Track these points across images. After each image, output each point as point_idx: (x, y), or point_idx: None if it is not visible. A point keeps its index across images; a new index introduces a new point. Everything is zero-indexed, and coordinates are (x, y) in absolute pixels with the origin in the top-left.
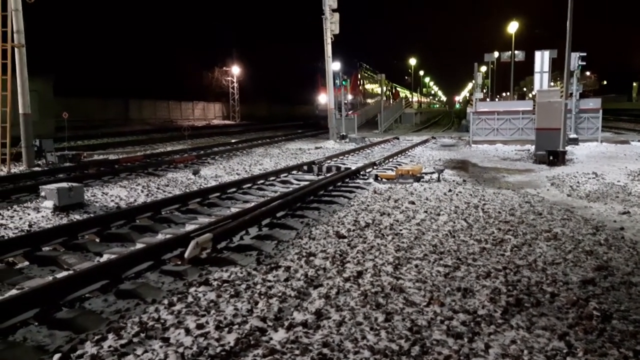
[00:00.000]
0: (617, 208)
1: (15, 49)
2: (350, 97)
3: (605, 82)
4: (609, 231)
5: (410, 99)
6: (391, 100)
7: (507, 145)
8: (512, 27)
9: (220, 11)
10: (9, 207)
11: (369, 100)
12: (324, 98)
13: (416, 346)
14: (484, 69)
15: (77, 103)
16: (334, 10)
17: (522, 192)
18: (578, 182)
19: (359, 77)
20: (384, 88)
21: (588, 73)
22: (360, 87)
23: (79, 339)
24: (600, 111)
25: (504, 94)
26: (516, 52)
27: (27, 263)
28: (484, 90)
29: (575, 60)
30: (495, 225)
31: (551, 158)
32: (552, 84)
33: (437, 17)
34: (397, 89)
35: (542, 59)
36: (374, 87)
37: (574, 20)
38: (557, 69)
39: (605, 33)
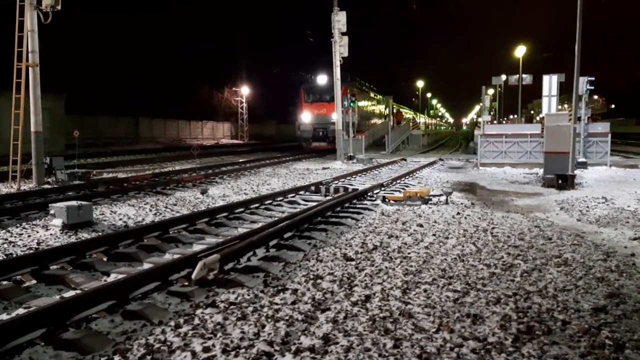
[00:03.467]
0: (627, 233)
1: (30, 68)
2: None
3: (613, 106)
4: (620, 257)
5: (417, 121)
6: (391, 122)
7: (515, 168)
8: (520, 51)
9: (230, 32)
10: (18, 225)
11: (364, 120)
12: (307, 117)
13: None
14: (491, 91)
15: (88, 121)
16: (343, 34)
17: (531, 216)
18: (588, 207)
19: (351, 93)
20: (388, 109)
21: (596, 97)
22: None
23: None
24: (609, 135)
25: (511, 117)
26: (524, 75)
27: (34, 281)
28: (492, 113)
29: (583, 84)
30: (505, 250)
31: (560, 182)
32: (559, 107)
33: (445, 41)
34: (401, 110)
35: (550, 83)
36: (371, 106)
37: (582, 44)
38: (565, 92)
39: (613, 57)
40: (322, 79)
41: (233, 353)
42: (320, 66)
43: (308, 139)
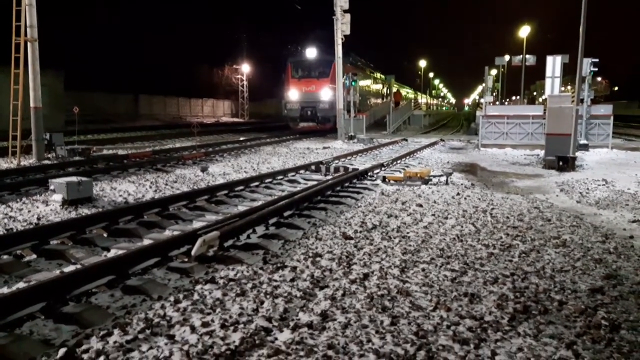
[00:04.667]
0: (627, 216)
1: (28, 43)
2: (329, 92)
3: (616, 88)
4: (619, 239)
5: (419, 101)
6: (390, 100)
7: (516, 150)
8: (524, 31)
9: (231, 9)
10: (18, 200)
11: (364, 100)
12: (294, 94)
13: (422, 351)
14: (494, 72)
15: (87, 97)
16: (345, 11)
17: (531, 197)
18: (588, 189)
19: (353, 71)
20: (389, 88)
21: (599, 79)
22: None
23: (84, 333)
24: (612, 117)
25: (513, 98)
26: (527, 56)
27: (34, 256)
28: (494, 94)
29: (587, 66)
30: (504, 231)
31: (561, 164)
32: (562, 88)
33: (448, 20)
34: (400, 90)
35: (554, 64)
36: (372, 85)
37: (586, 25)
38: (568, 73)
39: (617, 39)
40: (311, 53)
41: (232, 328)
42: (312, 39)
43: (295, 119)
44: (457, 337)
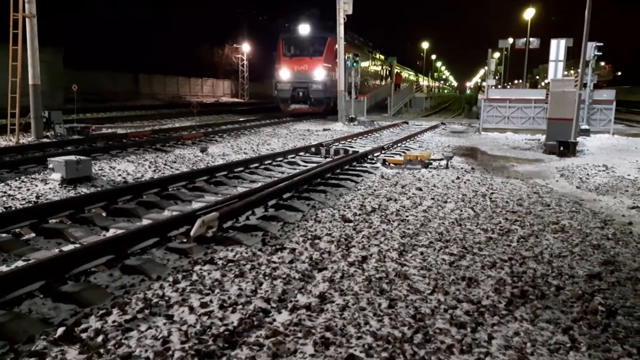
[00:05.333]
0: (626, 202)
1: (26, 19)
2: (323, 72)
3: (619, 73)
4: (617, 225)
5: (421, 83)
6: (391, 82)
7: (518, 134)
8: (529, 13)
9: None
10: (17, 178)
11: (365, 81)
12: (285, 73)
13: (419, 334)
14: (497, 55)
15: (86, 76)
16: None
17: (531, 182)
18: (588, 175)
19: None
20: (391, 70)
21: (603, 63)
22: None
23: (83, 312)
24: (614, 103)
25: (516, 81)
26: (531, 39)
27: (33, 235)
28: (497, 77)
29: (591, 50)
30: (503, 215)
31: (562, 149)
32: (565, 72)
33: (452, 1)
34: (400, 73)
35: (558, 48)
36: (373, 66)
37: (592, 9)
38: (572, 57)
39: (622, 23)
40: (304, 29)
41: (230, 309)
42: (307, 16)
43: (286, 100)
44: (454, 320)
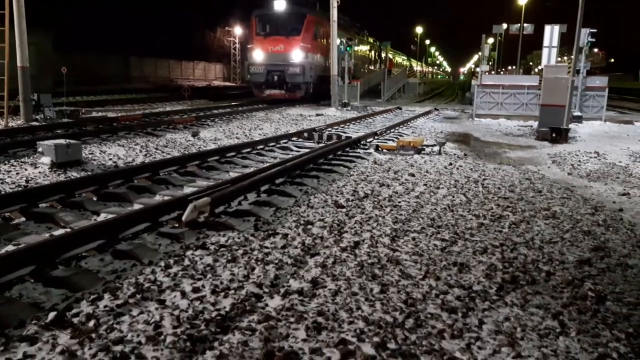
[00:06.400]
0: (617, 189)
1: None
2: (301, 53)
3: (612, 60)
4: (608, 212)
5: (414, 68)
6: (385, 67)
7: (510, 120)
8: None
9: None
10: (6, 162)
11: (358, 66)
12: (259, 54)
13: (410, 319)
14: (491, 40)
15: (77, 58)
16: None
17: (523, 168)
18: (579, 161)
19: (319, 24)
20: (385, 54)
21: (596, 50)
22: (321, 39)
23: (74, 297)
24: (607, 90)
25: (509, 68)
26: (525, 24)
27: (23, 219)
28: (490, 63)
29: (585, 36)
30: (494, 201)
31: (554, 135)
32: (559, 58)
33: None
34: (392, 58)
35: (552, 34)
36: (366, 51)
37: None
38: (565, 44)
39: (615, 10)
40: (279, 4)
41: (222, 294)
42: None
43: (260, 85)
44: (446, 305)
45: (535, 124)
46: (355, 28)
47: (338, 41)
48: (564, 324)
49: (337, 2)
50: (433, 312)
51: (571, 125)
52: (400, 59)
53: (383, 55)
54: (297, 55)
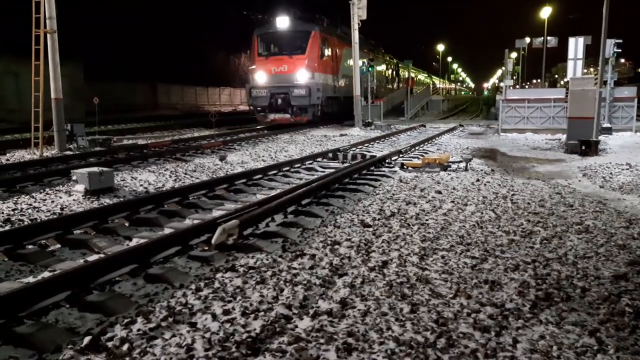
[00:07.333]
0: None
1: (47, 35)
2: (306, 73)
3: None
4: None
5: (437, 86)
6: (406, 86)
7: (537, 134)
8: (545, 12)
9: None
10: (42, 190)
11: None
12: (261, 76)
13: (442, 338)
14: (514, 55)
15: (106, 87)
16: None
17: (553, 182)
18: (611, 173)
19: (327, 41)
20: (407, 73)
21: (622, 60)
22: (328, 57)
23: (108, 321)
24: (636, 100)
25: (534, 81)
26: (548, 38)
27: (58, 246)
28: (514, 77)
29: (610, 47)
30: (525, 217)
31: (583, 148)
32: (584, 70)
33: (467, 2)
34: (413, 77)
35: (577, 46)
36: (387, 70)
37: (610, 4)
38: (591, 55)
39: None
40: (282, 22)
41: (252, 316)
42: (286, 6)
43: (263, 109)
44: (478, 324)
45: (563, 137)
46: (370, 45)
47: (360, 62)
48: (602, 341)
49: (359, 23)
50: (465, 332)
51: (601, 137)
52: (422, 76)
53: (402, 72)
54: (302, 75)
